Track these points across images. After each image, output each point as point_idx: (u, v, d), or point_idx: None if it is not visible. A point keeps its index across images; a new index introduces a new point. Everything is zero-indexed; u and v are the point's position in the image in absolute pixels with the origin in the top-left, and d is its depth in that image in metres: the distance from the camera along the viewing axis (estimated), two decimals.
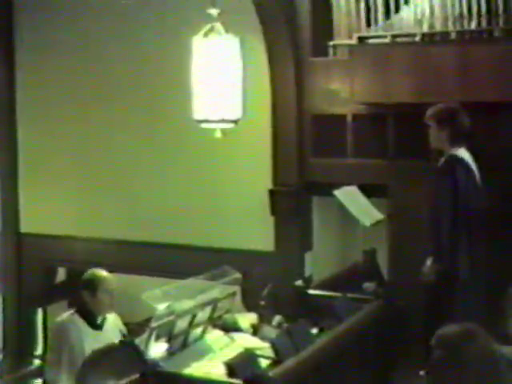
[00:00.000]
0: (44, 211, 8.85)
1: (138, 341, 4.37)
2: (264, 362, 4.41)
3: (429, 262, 5.38)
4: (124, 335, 5.14)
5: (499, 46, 6.20)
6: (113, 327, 5.23)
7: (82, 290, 5.19)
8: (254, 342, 4.84)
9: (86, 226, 8.61)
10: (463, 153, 5.47)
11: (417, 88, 6.39)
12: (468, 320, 2.74)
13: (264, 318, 5.27)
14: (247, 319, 5.25)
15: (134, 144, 8.33)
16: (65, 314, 5.27)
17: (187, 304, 4.42)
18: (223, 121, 5.45)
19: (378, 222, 6.25)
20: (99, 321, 5.19)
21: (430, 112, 5.54)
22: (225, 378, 4.14)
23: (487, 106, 6.17)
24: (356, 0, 6.86)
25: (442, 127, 5.46)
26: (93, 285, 5.14)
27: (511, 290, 3.67)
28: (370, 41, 6.73)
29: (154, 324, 4.20)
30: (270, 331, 5.00)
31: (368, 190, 6.47)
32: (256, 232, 7.63)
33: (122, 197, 8.43)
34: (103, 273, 5.24)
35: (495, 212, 5.69)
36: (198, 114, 5.49)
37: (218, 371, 4.22)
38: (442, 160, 5.52)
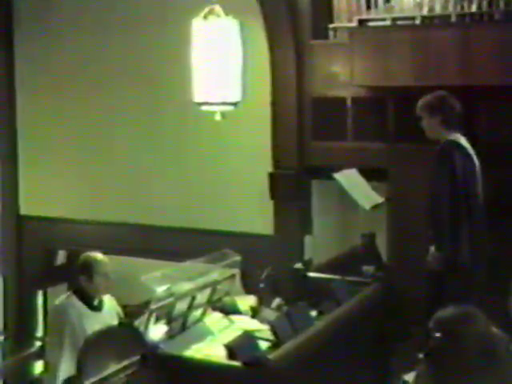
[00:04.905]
0: (44, 194, 8.85)
1: (137, 323, 4.39)
2: (263, 345, 4.43)
3: (432, 250, 5.31)
4: (120, 317, 5.18)
5: (500, 28, 6.18)
6: (110, 309, 5.28)
7: (78, 274, 5.21)
8: (253, 325, 4.85)
9: (86, 209, 8.61)
10: (460, 138, 5.35)
11: (417, 71, 6.38)
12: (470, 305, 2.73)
13: (263, 301, 5.28)
14: (246, 302, 5.26)
15: (134, 127, 8.32)
16: (63, 296, 5.30)
17: (186, 286, 4.43)
18: (223, 103, 5.44)
19: (377, 206, 6.24)
20: (96, 302, 5.23)
21: (419, 105, 5.42)
22: (224, 361, 4.16)
23: (488, 89, 6.15)
24: None
25: (433, 114, 5.33)
26: (88, 269, 5.16)
27: None
28: (370, 24, 6.70)
29: (153, 306, 4.22)
30: (269, 314, 5.00)
31: (368, 174, 6.45)
32: (256, 215, 7.64)
33: (122, 179, 8.42)
34: (98, 256, 5.25)
35: (496, 198, 5.66)
36: (197, 97, 5.49)
37: (218, 353, 4.24)
38: (439, 146, 5.39)
